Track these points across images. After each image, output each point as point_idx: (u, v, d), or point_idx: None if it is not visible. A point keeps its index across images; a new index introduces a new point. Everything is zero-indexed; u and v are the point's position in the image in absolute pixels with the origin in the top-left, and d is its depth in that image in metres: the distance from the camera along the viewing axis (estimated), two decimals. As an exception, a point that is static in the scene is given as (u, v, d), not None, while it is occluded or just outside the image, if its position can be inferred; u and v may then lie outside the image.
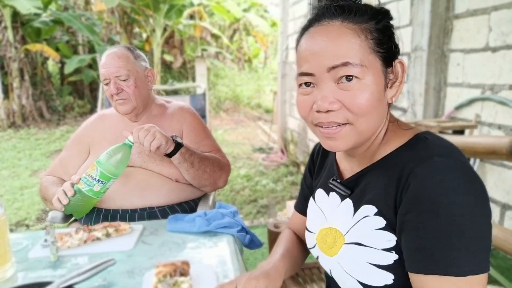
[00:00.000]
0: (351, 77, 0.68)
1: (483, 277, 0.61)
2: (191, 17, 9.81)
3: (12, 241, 1.13)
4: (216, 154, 1.57)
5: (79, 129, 1.64)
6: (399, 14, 3.12)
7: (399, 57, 0.75)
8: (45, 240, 1.11)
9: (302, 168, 4.88)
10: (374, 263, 0.70)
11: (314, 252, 0.89)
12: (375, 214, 0.72)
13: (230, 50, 11.77)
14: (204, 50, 10.17)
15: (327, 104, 0.69)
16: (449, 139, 0.72)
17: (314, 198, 0.93)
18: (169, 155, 1.36)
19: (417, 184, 0.65)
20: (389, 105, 0.76)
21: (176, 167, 1.45)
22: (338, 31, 0.69)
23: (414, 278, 0.65)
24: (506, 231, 1.27)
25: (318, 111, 0.71)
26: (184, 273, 0.91)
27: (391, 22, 0.73)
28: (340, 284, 0.81)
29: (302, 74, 0.72)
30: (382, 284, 0.70)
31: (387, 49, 0.71)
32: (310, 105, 0.73)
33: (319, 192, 0.91)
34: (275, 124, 6.93)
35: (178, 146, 1.36)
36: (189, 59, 10.22)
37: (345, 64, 0.67)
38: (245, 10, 11.47)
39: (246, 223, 1.63)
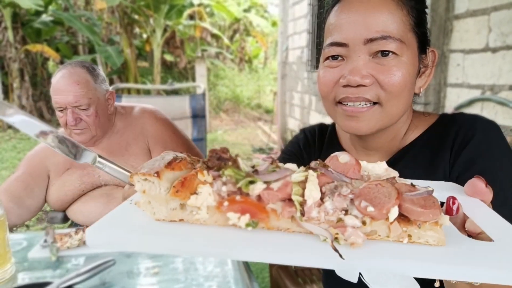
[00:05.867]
0: (387, 52, 0.63)
1: None
2: (191, 17, 9.81)
3: (12, 241, 1.13)
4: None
5: (29, 157, 1.51)
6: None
7: None
8: (45, 241, 1.11)
9: (302, 169, 4.85)
10: None
11: None
12: None
13: (230, 50, 11.77)
14: (204, 50, 10.16)
15: (358, 78, 0.63)
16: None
17: None
18: None
19: (481, 137, 0.66)
20: (414, 96, 0.73)
21: None
22: (381, 1, 0.64)
23: None
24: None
25: (346, 86, 0.65)
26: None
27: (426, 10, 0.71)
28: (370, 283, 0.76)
29: (332, 44, 0.66)
30: None
31: (423, 33, 0.68)
32: (336, 78, 0.66)
33: None
34: (275, 125, 6.93)
35: None
36: (189, 59, 10.22)
37: (385, 37, 0.62)
38: (245, 10, 11.47)
39: (246, 224, 1.62)
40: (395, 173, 0.39)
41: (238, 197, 0.35)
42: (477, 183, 0.44)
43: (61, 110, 1.35)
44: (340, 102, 0.68)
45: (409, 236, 0.34)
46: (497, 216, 0.39)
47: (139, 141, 1.47)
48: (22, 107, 8.33)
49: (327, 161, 0.40)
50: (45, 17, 8.31)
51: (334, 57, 0.67)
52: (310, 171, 0.36)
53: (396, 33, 0.63)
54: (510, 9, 2.21)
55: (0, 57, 8.14)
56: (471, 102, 2.54)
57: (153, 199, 0.37)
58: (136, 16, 9.08)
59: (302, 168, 0.38)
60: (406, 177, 0.72)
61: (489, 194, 0.44)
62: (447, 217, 0.35)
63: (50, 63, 9.87)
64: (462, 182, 0.66)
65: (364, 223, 0.33)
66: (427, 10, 0.71)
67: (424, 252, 0.33)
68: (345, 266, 0.31)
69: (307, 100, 5.09)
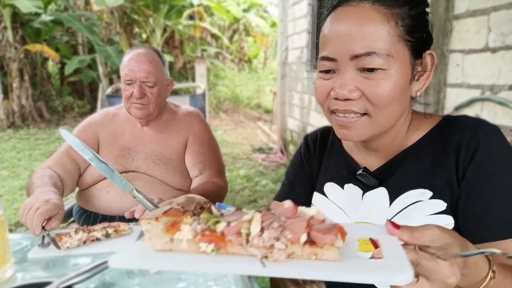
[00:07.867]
0: (373, 69, 0.64)
1: None
2: (191, 17, 9.81)
3: (11, 241, 1.13)
4: (210, 175, 1.48)
5: (84, 126, 1.57)
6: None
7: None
8: (45, 241, 1.11)
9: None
10: None
11: None
12: (431, 198, 0.69)
13: (230, 50, 11.77)
14: (204, 50, 10.17)
15: (346, 92, 0.65)
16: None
17: (324, 193, 0.85)
18: None
19: (486, 142, 0.66)
20: (412, 98, 0.72)
21: (180, 176, 1.44)
22: (367, 15, 0.64)
23: (490, 246, 0.62)
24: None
25: (336, 98, 0.67)
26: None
27: (427, 10, 0.69)
28: None
29: (323, 58, 0.68)
30: None
31: (417, 38, 0.67)
32: (328, 90, 0.69)
33: (330, 186, 0.85)
34: (274, 125, 6.93)
35: None
36: (189, 59, 10.22)
37: (370, 54, 0.63)
38: (245, 11, 11.47)
39: (246, 224, 1.62)
40: (322, 215, 0.51)
41: (207, 232, 0.51)
42: (387, 226, 0.52)
43: (129, 84, 1.45)
44: (333, 112, 0.71)
45: (316, 254, 0.48)
46: (401, 248, 0.50)
47: (180, 135, 1.55)
48: (22, 107, 8.33)
49: (273, 205, 0.53)
50: (44, 17, 8.31)
51: (327, 70, 0.70)
52: (256, 213, 0.52)
53: (382, 48, 0.63)
54: (510, 9, 2.21)
55: (0, 57, 8.13)
56: (470, 102, 2.54)
57: (153, 236, 0.53)
58: (135, 16, 9.08)
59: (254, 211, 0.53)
60: (409, 178, 0.73)
61: (399, 233, 0.51)
62: (341, 241, 0.47)
63: (50, 63, 9.87)
64: (473, 189, 0.66)
65: (287, 246, 0.48)
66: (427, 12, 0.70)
67: (321, 265, 0.46)
68: (265, 272, 0.46)
69: (306, 100, 5.09)
